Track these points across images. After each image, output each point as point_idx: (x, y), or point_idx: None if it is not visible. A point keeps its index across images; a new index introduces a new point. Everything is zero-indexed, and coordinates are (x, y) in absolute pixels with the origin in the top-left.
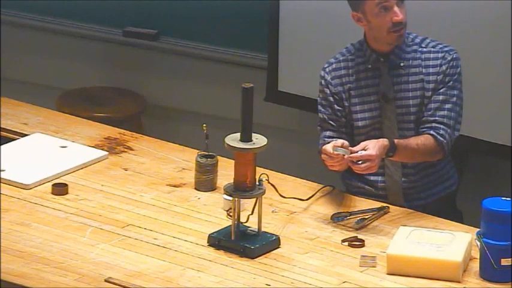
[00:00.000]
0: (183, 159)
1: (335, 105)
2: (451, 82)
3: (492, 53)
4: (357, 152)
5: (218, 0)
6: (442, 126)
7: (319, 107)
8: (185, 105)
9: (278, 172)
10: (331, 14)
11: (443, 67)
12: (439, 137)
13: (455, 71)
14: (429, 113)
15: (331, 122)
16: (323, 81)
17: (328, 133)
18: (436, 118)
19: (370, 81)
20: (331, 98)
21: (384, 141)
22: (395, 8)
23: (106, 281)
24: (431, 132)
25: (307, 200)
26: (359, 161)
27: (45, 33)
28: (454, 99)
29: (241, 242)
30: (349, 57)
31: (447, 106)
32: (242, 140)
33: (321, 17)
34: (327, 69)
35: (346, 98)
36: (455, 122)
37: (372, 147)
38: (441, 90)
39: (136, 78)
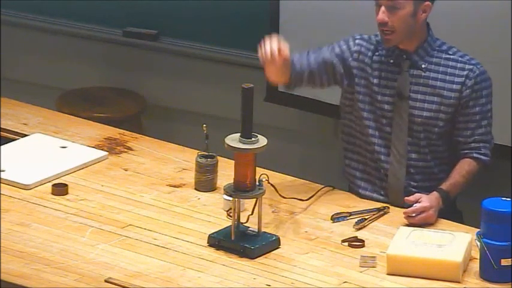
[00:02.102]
0: (183, 160)
1: (338, 59)
2: (484, 98)
3: (492, 53)
4: (411, 203)
5: (218, 0)
6: (481, 144)
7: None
8: (185, 105)
9: (278, 172)
10: (331, 14)
11: (471, 81)
12: (482, 157)
13: (485, 85)
14: (468, 133)
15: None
16: (346, 45)
17: (313, 54)
18: (476, 137)
19: (389, 75)
20: (338, 51)
21: (435, 194)
22: (382, 8)
23: (106, 281)
24: (474, 155)
25: (307, 200)
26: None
27: (45, 33)
28: (489, 114)
29: (241, 242)
30: (378, 47)
31: (484, 123)
32: (242, 140)
33: (321, 17)
34: (357, 41)
35: (357, 77)
36: (491, 136)
37: (425, 199)
38: (477, 109)
39: (136, 78)
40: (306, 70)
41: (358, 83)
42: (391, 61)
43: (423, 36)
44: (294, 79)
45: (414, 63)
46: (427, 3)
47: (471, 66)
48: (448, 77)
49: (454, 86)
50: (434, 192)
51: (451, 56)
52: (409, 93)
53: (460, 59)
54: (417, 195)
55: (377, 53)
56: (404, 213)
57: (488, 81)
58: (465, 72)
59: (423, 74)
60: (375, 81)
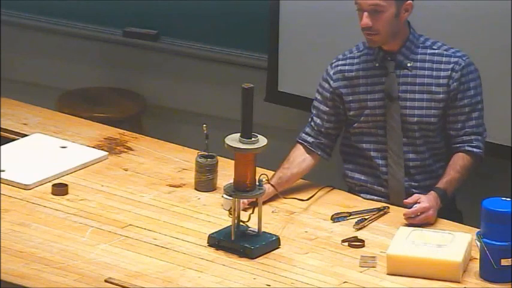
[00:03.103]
0: (183, 160)
1: (328, 102)
2: (472, 90)
3: (492, 53)
4: (411, 205)
5: (218, 0)
6: (473, 136)
7: (314, 102)
8: (185, 105)
9: None
10: (332, 14)
11: (457, 74)
12: (474, 149)
13: (472, 77)
14: (458, 126)
15: (316, 118)
16: (325, 74)
17: (307, 129)
18: (467, 130)
19: (376, 79)
20: (327, 94)
21: (432, 193)
22: (365, 14)
23: (106, 281)
24: (466, 147)
25: (307, 200)
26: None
27: (45, 33)
28: (479, 106)
29: (241, 242)
30: (356, 53)
31: (474, 115)
32: (242, 140)
33: (321, 17)
34: (333, 65)
35: (344, 93)
36: (483, 128)
37: (424, 199)
38: (466, 101)
39: (136, 78)
40: (325, 137)
41: (346, 100)
42: (377, 64)
43: (405, 34)
44: (325, 153)
45: (399, 63)
46: (408, 2)
47: (456, 59)
48: (434, 73)
49: (441, 81)
50: (432, 192)
51: (436, 51)
52: (398, 94)
53: (445, 52)
54: (415, 196)
55: (359, 62)
56: (404, 214)
57: (476, 73)
58: (451, 65)
59: (410, 73)
60: (363, 88)
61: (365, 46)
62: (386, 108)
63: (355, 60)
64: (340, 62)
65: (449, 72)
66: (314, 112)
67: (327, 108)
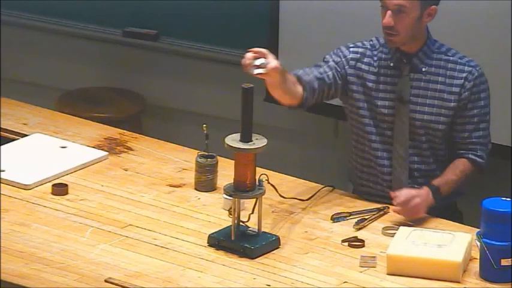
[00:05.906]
0: (183, 160)
1: (334, 73)
2: (482, 101)
3: (492, 53)
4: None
5: (218, 0)
6: (478, 146)
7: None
8: (185, 106)
9: (278, 172)
10: (331, 14)
11: (470, 84)
12: (478, 159)
13: (483, 88)
14: (465, 134)
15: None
16: (340, 53)
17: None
18: (473, 140)
19: (389, 79)
20: (333, 64)
21: (424, 187)
22: (388, 13)
23: (106, 281)
24: (470, 156)
25: (307, 200)
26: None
27: (45, 33)
28: (487, 117)
29: (241, 242)
30: (374, 52)
31: (482, 126)
32: (242, 140)
33: (321, 16)
34: (351, 49)
35: (351, 82)
36: (488, 140)
37: (410, 189)
38: (475, 111)
39: (136, 78)
40: (314, 85)
41: (356, 90)
42: (391, 64)
43: (424, 39)
44: (308, 95)
45: (415, 67)
46: (433, 7)
47: (470, 68)
48: (447, 80)
49: (454, 89)
50: (425, 187)
51: (451, 58)
52: (410, 97)
53: (459, 60)
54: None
55: (375, 58)
56: (393, 205)
57: (486, 84)
58: (464, 74)
59: (423, 77)
60: (373, 85)
61: (380, 43)
62: (395, 110)
63: (374, 53)
64: (360, 50)
65: (462, 81)
66: (321, 64)
67: (330, 80)
